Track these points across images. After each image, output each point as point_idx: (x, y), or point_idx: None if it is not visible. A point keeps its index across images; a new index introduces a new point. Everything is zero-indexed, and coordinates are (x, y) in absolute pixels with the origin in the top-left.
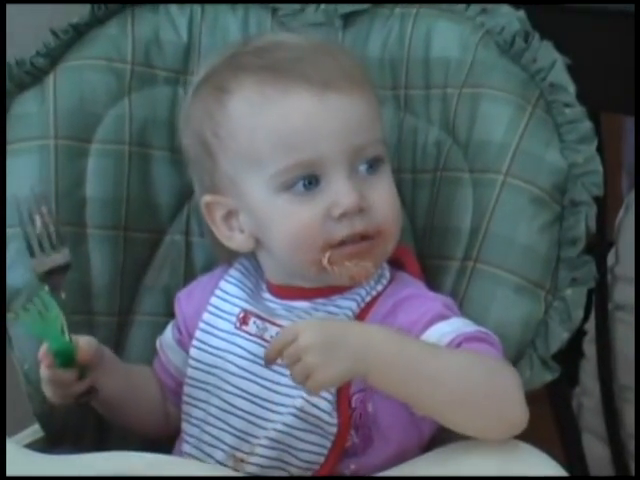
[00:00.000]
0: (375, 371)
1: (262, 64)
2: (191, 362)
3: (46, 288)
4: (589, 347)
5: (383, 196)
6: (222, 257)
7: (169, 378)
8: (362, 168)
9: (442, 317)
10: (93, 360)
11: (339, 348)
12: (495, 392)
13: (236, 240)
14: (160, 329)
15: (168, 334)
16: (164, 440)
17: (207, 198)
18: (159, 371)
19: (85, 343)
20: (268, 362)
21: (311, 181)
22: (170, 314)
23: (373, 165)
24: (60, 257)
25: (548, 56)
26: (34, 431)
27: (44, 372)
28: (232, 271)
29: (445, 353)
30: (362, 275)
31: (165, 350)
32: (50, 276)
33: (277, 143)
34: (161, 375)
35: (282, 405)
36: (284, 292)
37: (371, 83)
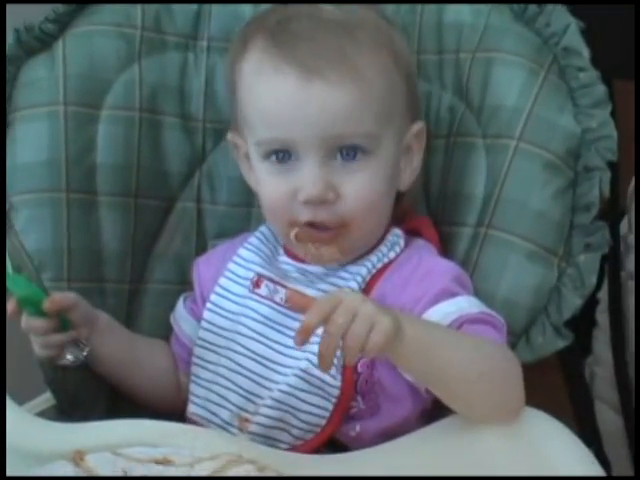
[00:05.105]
0: (403, 345)
1: (276, 31)
2: (203, 324)
3: None
4: (602, 317)
5: (356, 188)
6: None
7: (183, 349)
8: (339, 156)
9: (448, 294)
10: (72, 312)
11: (383, 309)
12: (496, 379)
13: (251, 181)
14: (172, 297)
15: (180, 306)
16: (175, 412)
17: (229, 135)
18: (173, 344)
19: (60, 294)
20: (305, 334)
21: (284, 156)
22: (182, 282)
23: (351, 154)
24: None
25: (562, 20)
26: (46, 399)
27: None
28: (251, 239)
29: (455, 338)
30: (325, 258)
31: (178, 322)
32: None
33: (260, 115)
34: (175, 347)
35: (288, 367)
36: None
37: (387, 73)
